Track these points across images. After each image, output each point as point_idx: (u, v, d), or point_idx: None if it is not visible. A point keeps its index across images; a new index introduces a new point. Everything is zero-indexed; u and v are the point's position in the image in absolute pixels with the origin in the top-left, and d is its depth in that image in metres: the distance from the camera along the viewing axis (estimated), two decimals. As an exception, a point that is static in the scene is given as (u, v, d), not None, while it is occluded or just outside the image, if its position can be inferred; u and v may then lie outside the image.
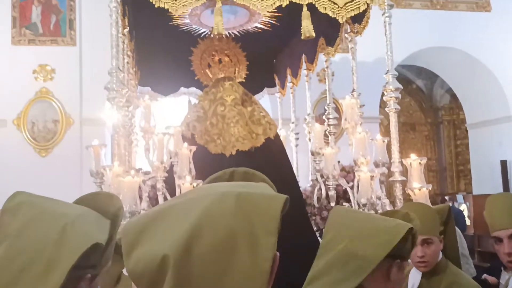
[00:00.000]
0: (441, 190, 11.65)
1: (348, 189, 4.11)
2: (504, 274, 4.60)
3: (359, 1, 3.86)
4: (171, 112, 6.36)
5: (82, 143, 6.40)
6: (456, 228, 2.62)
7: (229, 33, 4.78)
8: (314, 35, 3.79)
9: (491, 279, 4.96)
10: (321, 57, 5.16)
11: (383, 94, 3.98)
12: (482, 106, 9.37)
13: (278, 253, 0.80)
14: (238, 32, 4.87)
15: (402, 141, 10.20)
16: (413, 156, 3.60)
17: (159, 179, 3.64)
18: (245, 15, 4.54)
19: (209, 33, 4.76)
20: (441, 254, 2.25)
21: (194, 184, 3.27)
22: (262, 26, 4.79)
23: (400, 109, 4.01)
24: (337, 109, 5.48)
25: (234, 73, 4.71)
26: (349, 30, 4.58)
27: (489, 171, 9.14)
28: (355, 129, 4.15)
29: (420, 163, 3.57)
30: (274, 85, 6.17)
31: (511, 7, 8.68)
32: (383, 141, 3.95)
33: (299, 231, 3.76)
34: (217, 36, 4.31)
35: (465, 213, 8.79)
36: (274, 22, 4.64)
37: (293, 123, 5.85)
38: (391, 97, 3.80)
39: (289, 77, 5.79)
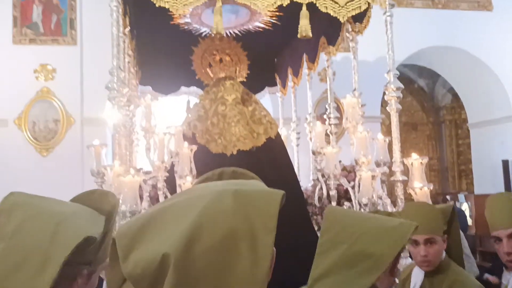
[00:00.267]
0: (443, 189, 11.63)
1: (349, 189, 4.10)
2: (505, 274, 4.59)
3: (360, 0, 3.85)
4: (172, 112, 6.36)
5: (83, 143, 6.41)
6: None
7: (230, 32, 4.77)
8: (310, 35, 3.78)
9: (492, 278, 4.95)
10: (322, 56, 5.16)
11: (384, 94, 3.97)
12: (484, 105, 9.35)
13: (274, 249, 0.81)
14: (239, 31, 4.87)
15: (404, 141, 10.19)
16: (414, 155, 3.59)
17: (160, 179, 3.63)
18: (246, 14, 4.54)
19: (210, 32, 4.76)
20: (445, 253, 2.25)
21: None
22: (263, 26, 4.79)
23: (402, 108, 4.00)
24: (338, 109, 5.47)
25: (235, 72, 4.70)
26: (350, 29, 4.57)
27: (490, 171, 9.12)
28: (356, 129, 4.15)
29: (421, 162, 3.56)
30: (275, 85, 6.16)
31: (513, 6, 8.67)
32: (385, 141, 3.95)
33: (300, 230, 3.76)
34: (218, 36, 4.30)
35: (467, 212, 8.77)
36: (275, 21, 4.64)
37: (294, 122, 5.84)
38: (392, 96, 3.79)
39: (290, 77, 5.78)
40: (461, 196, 9.55)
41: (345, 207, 4.02)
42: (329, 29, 4.70)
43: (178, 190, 3.46)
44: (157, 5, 3.58)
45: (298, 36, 3.78)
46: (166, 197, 3.62)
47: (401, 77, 4.48)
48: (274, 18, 4.58)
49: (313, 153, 4.76)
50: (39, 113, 6.90)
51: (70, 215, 1.12)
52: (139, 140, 4.45)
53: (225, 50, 4.71)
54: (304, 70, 5.50)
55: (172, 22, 4.56)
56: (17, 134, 6.83)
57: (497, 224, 2.00)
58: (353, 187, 4.04)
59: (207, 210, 0.78)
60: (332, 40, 4.84)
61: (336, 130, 5.14)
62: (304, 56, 5.37)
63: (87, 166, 3.92)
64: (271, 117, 4.58)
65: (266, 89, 6.20)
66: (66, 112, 6.95)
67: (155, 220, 0.80)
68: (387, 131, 4.50)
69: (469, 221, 8.67)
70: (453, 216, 2.30)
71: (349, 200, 4.13)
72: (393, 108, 3.80)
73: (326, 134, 4.84)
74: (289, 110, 5.94)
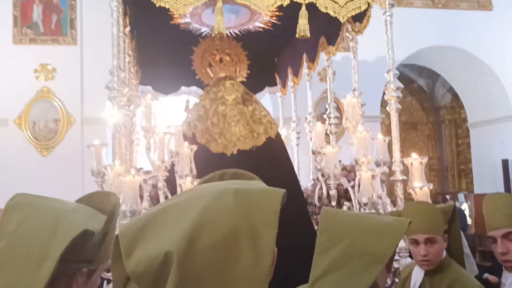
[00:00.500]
0: (443, 189, 11.63)
1: (349, 188, 4.11)
2: (505, 273, 4.59)
3: (360, 0, 3.85)
4: (172, 111, 6.37)
5: (83, 142, 6.41)
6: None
7: (230, 32, 4.78)
8: (309, 34, 3.78)
9: (492, 278, 4.95)
10: (322, 56, 5.16)
11: (384, 93, 3.97)
12: (483, 105, 9.36)
13: (276, 249, 0.81)
14: (239, 31, 4.87)
15: (404, 140, 10.19)
16: (414, 155, 3.60)
17: (160, 178, 3.64)
18: (246, 14, 4.54)
19: (210, 32, 4.76)
20: (445, 253, 2.26)
21: (195, 184, 3.27)
22: (263, 25, 4.79)
23: (402, 108, 4.00)
24: (338, 108, 5.48)
25: (235, 72, 4.70)
26: (350, 29, 4.58)
27: (490, 170, 9.13)
28: (356, 128, 4.15)
29: (421, 162, 3.56)
30: (275, 84, 6.17)
31: (513, 6, 8.67)
32: (384, 140, 3.95)
33: (300, 230, 3.76)
34: (218, 35, 4.31)
35: (466, 212, 8.78)
36: (275, 21, 4.64)
37: (294, 122, 5.85)
38: (392, 96, 3.79)
39: (290, 76, 5.78)
40: (460, 196, 9.56)
41: (345, 207, 4.03)
42: (329, 29, 4.71)
43: (178, 189, 3.47)
44: (157, 5, 3.59)
45: (297, 36, 3.79)
46: (166, 196, 3.63)
47: (401, 77, 4.48)
48: (274, 18, 4.58)
49: (313, 152, 4.76)
50: (39, 112, 6.90)
51: (70, 212, 1.16)
52: (139, 140, 4.46)
53: (225, 50, 4.72)
54: (304, 70, 5.51)
55: (172, 22, 4.56)
56: (17, 134, 6.84)
57: (492, 224, 2.03)
58: (353, 187, 4.04)
59: (208, 209, 0.79)
60: (332, 40, 4.84)
61: (336, 130, 5.14)
62: (304, 56, 5.38)
63: (87, 165, 3.93)
64: (271, 117, 4.58)
65: (266, 89, 6.21)
66: (66, 112, 6.95)
67: (156, 219, 0.81)
68: (387, 131, 4.51)
69: (469, 221, 8.68)
70: (454, 215, 2.31)
71: (349, 199, 4.14)
72: (393, 108, 3.80)
73: (326, 134, 4.85)
74: (289, 110, 5.95)
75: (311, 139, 5.10)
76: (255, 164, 3.93)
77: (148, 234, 0.79)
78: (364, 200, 3.64)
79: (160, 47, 5.10)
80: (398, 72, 3.88)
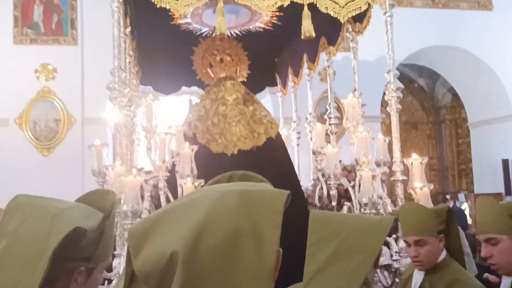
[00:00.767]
0: (443, 189, 11.64)
1: (350, 189, 4.11)
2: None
3: (360, 1, 3.86)
4: (173, 112, 6.37)
5: (84, 143, 6.42)
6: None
7: (230, 32, 4.78)
8: (314, 35, 3.79)
9: (492, 278, 4.95)
10: (323, 56, 5.16)
11: (384, 93, 3.98)
12: (484, 105, 9.36)
13: (281, 250, 0.82)
14: (239, 31, 4.87)
15: (404, 140, 10.20)
16: (414, 155, 3.60)
17: (161, 179, 3.64)
18: (246, 14, 4.55)
19: (210, 32, 4.77)
20: (445, 252, 2.27)
21: (196, 184, 3.28)
22: (263, 26, 4.80)
23: (402, 108, 4.00)
24: (339, 108, 5.48)
25: (236, 72, 4.71)
26: (350, 29, 4.58)
27: (490, 170, 9.14)
28: (357, 128, 4.15)
29: (421, 162, 3.56)
30: (276, 84, 6.17)
31: (513, 5, 8.68)
32: (385, 140, 3.95)
33: (300, 230, 3.76)
34: (218, 36, 4.31)
35: (467, 212, 8.79)
36: (275, 21, 4.65)
37: (294, 122, 5.85)
38: (392, 96, 3.79)
39: (290, 76, 5.79)
40: (461, 196, 9.57)
41: (345, 207, 4.03)
42: (329, 29, 4.71)
43: (179, 190, 3.47)
44: (158, 6, 3.59)
45: (302, 37, 3.79)
46: (167, 197, 3.63)
47: (401, 77, 4.49)
48: (274, 18, 4.58)
49: (314, 152, 4.77)
50: (40, 112, 6.91)
51: (66, 210, 1.18)
52: (140, 140, 4.46)
53: (225, 50, 4.72)
54: (305, 70, 5.51)
55: (172, 22, 4.57)
56: (18, 134, 6.85)
57: (478, 228, 2.08)
58: (353, 187, 4.04)
59: (213, 210, 0.80)
60: (332, 40, 4.85)
61: (337, 130, 5.15)
62: (305, 56, 5.38)
63: (88, 166, 3.93)
64: (271, 117, 4.59)
65: (267, 89, 6.21)
66: (67, 112, 6.96)
67: (162, 220, 0.83)
68: (387, 131, 4.52)
69: (469, 220, 8.68)
70: (450, 216, 2.32)
71: (350, 200, 4.14)
72: (393, 108, 3.80)
73: (327, 134, 4.85)
74: (289, 110, 5.95)
75: (311, 139, 5.10)
76: (256, 164, 3.94)
77: (154, 235, 0.80)
78: (365, 200, 3.65)
79: (161, 48, 5.10)
80: (398, 73, 3.88)
